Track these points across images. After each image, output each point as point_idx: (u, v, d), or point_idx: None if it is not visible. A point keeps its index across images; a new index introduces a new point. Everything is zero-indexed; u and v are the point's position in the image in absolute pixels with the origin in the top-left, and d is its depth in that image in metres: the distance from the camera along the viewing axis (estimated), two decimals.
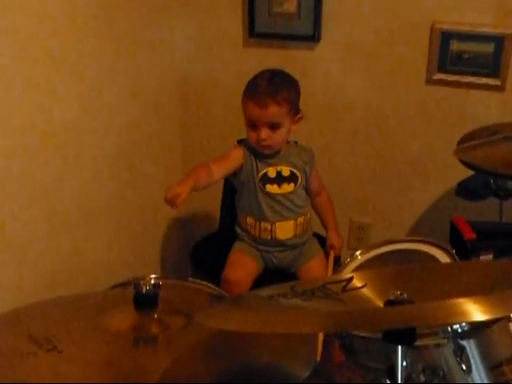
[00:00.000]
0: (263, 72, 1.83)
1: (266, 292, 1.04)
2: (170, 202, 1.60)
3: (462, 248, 1.53)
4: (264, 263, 1.91)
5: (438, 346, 1.08)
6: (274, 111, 1.76)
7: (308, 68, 2.20)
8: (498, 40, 1.97)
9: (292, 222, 1.88)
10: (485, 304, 0.83)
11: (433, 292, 1.03)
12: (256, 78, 1.82)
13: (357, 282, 1.07)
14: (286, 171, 1.86)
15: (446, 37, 2.02)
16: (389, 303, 0.95)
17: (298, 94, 1.84)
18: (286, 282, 1.12)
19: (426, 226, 2.24)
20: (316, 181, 1.96)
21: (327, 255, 1.94)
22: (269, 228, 1.86)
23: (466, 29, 2.00)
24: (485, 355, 1.07)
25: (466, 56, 2.03)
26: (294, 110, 1.82)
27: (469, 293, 0.89)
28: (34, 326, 1.23)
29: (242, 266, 1.87)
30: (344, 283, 1.05)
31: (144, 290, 1.25)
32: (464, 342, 1.06)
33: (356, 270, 1.46)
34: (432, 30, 2.03)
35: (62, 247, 1.85)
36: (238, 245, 1.92)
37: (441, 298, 0.89)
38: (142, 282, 1.25)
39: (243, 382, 1.12)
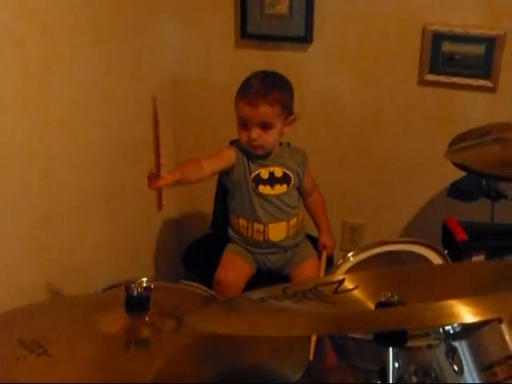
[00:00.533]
0: (257, 73, 1.83)
1: (257, 294, 1.04)
2: (150, 183, 1.55)
3: (454, 249, 1.53)
4: (257, 265, 1.90)
5: (429, 347, 1.08)
6: (266, 111, 1.76)
7: (300, 69, 2.20)
8: (489, 41, 1.98)
9: (284, 223, 1.87)
10: (476, 306, 0.83)
11: (424, 293, 1.03)
12: (249, 78, 1.82)
13: (348, 284, 1.07)
14: (278, 172, 1.86)
15: (438, 38, 2.03)
16: (380, 305, 0.95)
17: (291, 95, 1.84)
18: (278, 284, 1.11)
19: (418, 227, 2.24)
20: (308, 181, 1.96)
21: (320, 255, 1.94)
22: (261, 229, 1.86)
23: (457, 30, 2.01)
24: (477, 356, 1.07)
25: (457, 57, 2.03)
26: (287, 112, 1.82)
27: (460, 294, 0.89)
28: (24, 329, 1.23)
29: (234, 267, 1.87)
30: (335, 285, 1.05)
31: (135, 293, 1.25)
32: (456, 343, 1.06)
33: (348, 271, 1.46)
34: (423, 31, 2.04)
35: (52, 247, 1.85)
36: (230, 247, 1.92)
37: (432, 299, 0.89)
38: (133, 285, 1.25)
39: (235, 383, 1.11)
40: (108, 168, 2.08)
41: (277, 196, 1.86)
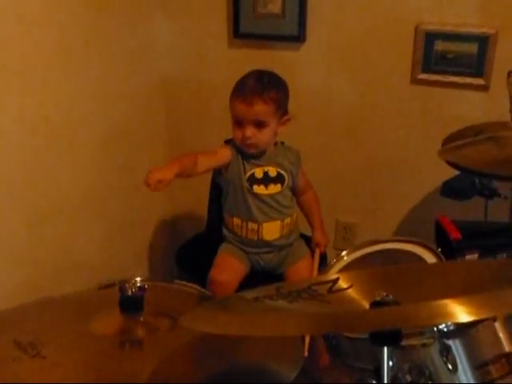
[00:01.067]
0: (252, 72, 1.83)
1: (251, 294, 1.04)
2: (150, 186, 1.57)
3: (447, 247, 1.54)
4: (251, 264, 1.90)
5: (424, 345, 1.08)
6: (260, 109, 1.76)
7: (293, 68, 2.20)
8: (482, 40, 1.98)
9: (279, 222, 1.87)
10: (470, 305, 0.83)
11: (419, 292, 1.03)
12: (244, 77, 1.82)
13: (343, 283, 1.07)
14: (272, 172, 1.86)
15: (431, 37, 2.03)
16: (375, 304, 0.95)
17: (285, 95, 1.84)
18: (272, 283, 1.11)
19: (411, 225, 2.24)
20: (302, 180, 1.96)
21: (313, 253, 1.94)
22: (255, 228, 1.86)
23: (450, 29, 2.01)
24: (470, 355, 1.07)
25: (450, 56, 2.04)
26: (282, 111, 1.82)
27: (455, 293, 0.89)
28: (17, 330, 1.22)
29: (228, 267, 1.86)
30: (330, 284, 1.05)
31: (129, 293, 1.24)
32: (450, 342, 1.06)
33: (342, 270, 1.46)
34: (416, 30, 2.04)
35: (46, 247, 1.84)
36: (224, 246, 1.92)
37: (427, 298, 0.89)
38: (127, 285, 1.25)
39: (231, 382, 1.11)
40: (102, 167, 2.07)
41: (271, 196, 1.85)
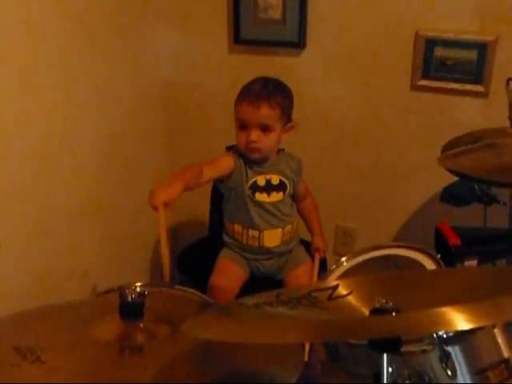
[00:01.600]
0: (258, 78, 1.84)
1: (251, 300, 1.04)
2: (156, 209, 1.56)
3: (446, 254, 1.54)
4: (250, 270, 1.90)
5: (423, 352, 1.08)
6: (266, 112, 1.76)
7: (293, 74, 2.20)
8: (481, 47, 1.99)
9: (280, 230, 1.88)
10: (469, 313, 0.84)
11: (418, 299, 1.03)
12: (250, 83, 1.82)
13: (342, 290, 1.07)
14: (275, 180, 1.86)
15: (430, 44, 2.04)
16: (374, 311, 0.96)
17: (290, 102, 1.85)
18: (272, 289, 1.11)
19: (411, 231, 2.25)
20: (302, 186, 1.97)
21: (313, 258, 1.95)
22: (256, 236, 1.86)
23: (449, 36, 2.02)
24: (470, 361, 1.07)
25: (449, 62, 2.04)
26: (286, 117, 1.82)
27: (454, 300, 0.89)
28: (18, 336, 1.22)
29: (228, 272, 1.87)
30: (330, 291, 1.06)
31: (129, 299, 1.24)
32: (449, 348, 1.06)
33: (342, 276, 1.46)
34: (416, 36, 2.05)
35: (46, 253, 1.84)
36: (224, 252, 1.92)
37: (426, 305, 0.90)
38: (127, 291, 1.24)
39: None
40: (102, 173, 2.07)
41: (273, 204, 1.85)
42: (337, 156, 2.30)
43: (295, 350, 1.20)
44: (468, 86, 2.04)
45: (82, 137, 1.95)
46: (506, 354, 1.08)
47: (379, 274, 1.29)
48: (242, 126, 1.79)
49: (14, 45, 1.64)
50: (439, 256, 1.47)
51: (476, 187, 1.78)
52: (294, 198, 1.94)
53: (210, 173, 1.78)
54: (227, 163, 1.82)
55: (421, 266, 1.45)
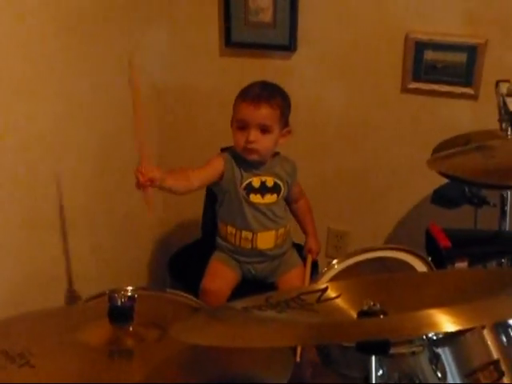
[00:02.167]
0: (257, 82, 1.84)
1: (240, 304, 1.04)
2: (139, 182, 1.59)
3: (437, 256, 1.54)
4: (242, 273, 1.90)
5: (413, 354, 1.09)
6: (267, 112, 1.77)
7: (284, 77, 2.20)
8: (471, 50, 2.00)
9: (273, 232, 1.88)
10: (457, 315, 0.84)
11: (407, 301, 1.03)
12: (249, 85, 1.83)
13: (331, 293, 1.07)
14: (270, 182, 1.86)
15: (420, 47, 2.05)
16: (362, 314, 0.96)
17: (288, 106, 1.85)
18: (263, 292, 1.11)
19: (402, 233, 2.25)
20: (296, 188, 1.97)
21: (305, 260, 1.95)
22: (250, 237, 1.86)
23: (439, 39, 2.03)
24: (459, 362, 1.08)
25: (439, 65, 2.05)
26: (284, 120, 1.83)
27: (443, 302, 0.89)
28: (7, 340, 1.21)
29: (220, 275, 1.86)
30: (319, 294, 1.05)
31: (119, 303, 1.23)
32: (439, 350, 1.07)
33: (333, 278, 1.46)
34: (406, 39, 2.06)
35: (37, 257, 1.83)
36: (216, 255, 1.92)
37: (415, 307, 0.90)
38: (116, 295, 1.24)
39: None
40: (93, 177, 2.07)
41: (267, 205, 1.85)
42: (328, 159, 2.30)
43: (284, 353, 1.20)
44: (458, 89, 2.05)
45: (74, 142, 1.94)
46: (495, 355, 1.08)
47: (369, 276, 1.30)
48: (241, 126, 1.79)
49: (4, 52, 1.63)
50: (430, 258, 1.47)
51: (466, 189, 1.79)
52: (288, 199, 1.95)
53: (200, 179, 1.79)
54: (216, 167, 1.83)
55: (412, 268, 1.45)
